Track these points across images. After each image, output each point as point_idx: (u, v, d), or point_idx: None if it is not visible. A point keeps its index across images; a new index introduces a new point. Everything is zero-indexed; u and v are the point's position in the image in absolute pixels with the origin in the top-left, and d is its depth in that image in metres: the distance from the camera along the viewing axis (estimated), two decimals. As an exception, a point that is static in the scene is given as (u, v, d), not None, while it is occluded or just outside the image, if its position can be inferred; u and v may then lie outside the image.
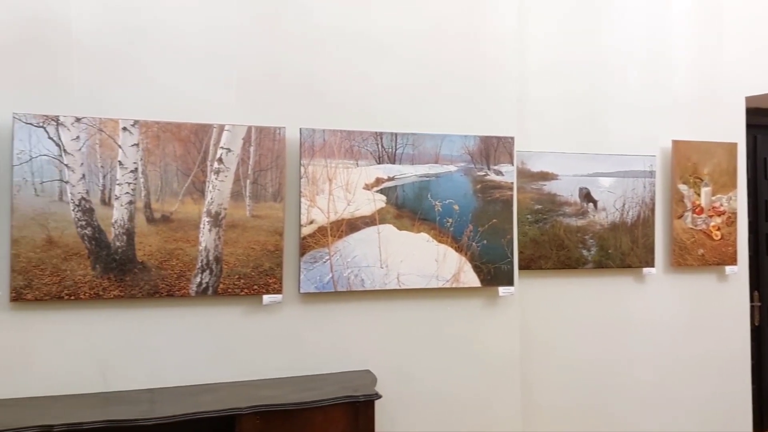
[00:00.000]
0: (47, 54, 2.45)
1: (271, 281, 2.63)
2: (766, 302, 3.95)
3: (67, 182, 2.40)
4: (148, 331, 2.54)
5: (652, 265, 3.39)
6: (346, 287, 2.74)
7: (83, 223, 2.42)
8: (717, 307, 3.56)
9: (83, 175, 2.42)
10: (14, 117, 2.34)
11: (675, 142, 3.43)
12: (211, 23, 2.65)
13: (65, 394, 2.40)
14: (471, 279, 2.91)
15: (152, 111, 2.54)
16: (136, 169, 2.49)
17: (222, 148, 2.59)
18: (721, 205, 3.53)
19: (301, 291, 2.68)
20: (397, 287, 2.81)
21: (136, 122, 2.49)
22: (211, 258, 2.56)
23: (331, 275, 2.72)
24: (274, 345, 2.69)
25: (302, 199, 2.69)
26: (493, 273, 2.94)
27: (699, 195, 3.48)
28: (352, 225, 2.76)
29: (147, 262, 2.49)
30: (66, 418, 2.10)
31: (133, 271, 2.47)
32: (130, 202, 2.48)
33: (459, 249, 2.89)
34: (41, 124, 2.37)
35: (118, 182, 2.46)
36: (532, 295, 3.19)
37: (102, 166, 2.45)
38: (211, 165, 2.58)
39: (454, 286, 2.88)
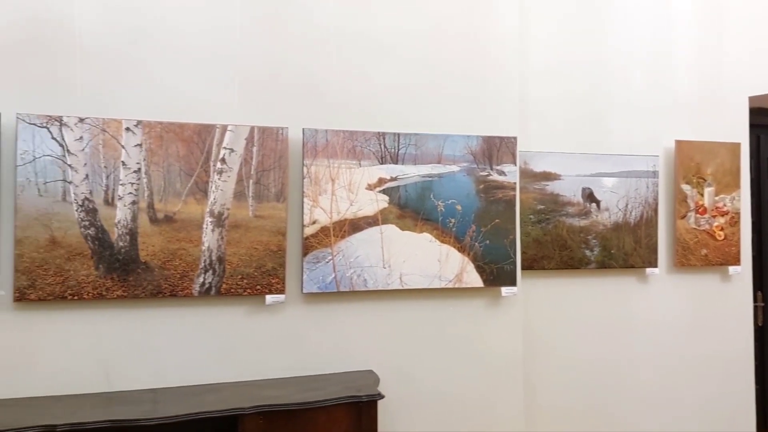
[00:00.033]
0: (51, 54, 2.46)
1: (273, 281, 2.63)
2: (769, 302, 3.94)
3: (70, 182, 2.40)
4: (151, 331, 2.54)
5: (655, 266, 3.38)
6: (349, 287, 2.74)
7: (86, 223, 2.42)
8: (720, 307, 3.55)
9: (86, 176, 2.42)
10: (18, 117, 2.35)
11: (678, 142, 3.42)
12: (213, 24, 2.66)
13: (68, 394, 2.41)
14: (474, 279, 2.90)
15: (155, 111, 2.55)
16: (140, 169, 2.49)
17: (225, 148, 2.59)
18: (725, 205, 3.52)
19: (304, 291, 2.68)
20: (400, 287, 2.81)
21: (139, 122, 2.49)
22: (214, 258, 2.56)
23: (333, 275, 2.72)
24: (277, 345, 2.69)
25: (305, 200, 2.69)
26: (496, 273, 2.93)
27: (702, 195, 3.47)
28: (355, 225, 2.76)
29: (150, 262, 2.49)
30: (69, 418, 2.10)
31: (136, 271, 2.47)
32: (134, 203, 2.48)
33: (462, 249, 2.89)
34: (45, 125, 2.38)
35: (121, 182, 2.46)
36: (535, 295, 3.18)
37: (105, 167, 2.45)
38: (214, 165, 2.58)
39: (456, 286, 2.88)
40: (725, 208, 3.52)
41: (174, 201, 2.53)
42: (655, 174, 3.38)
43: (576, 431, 3.26)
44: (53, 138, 2.39)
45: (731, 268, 3.55)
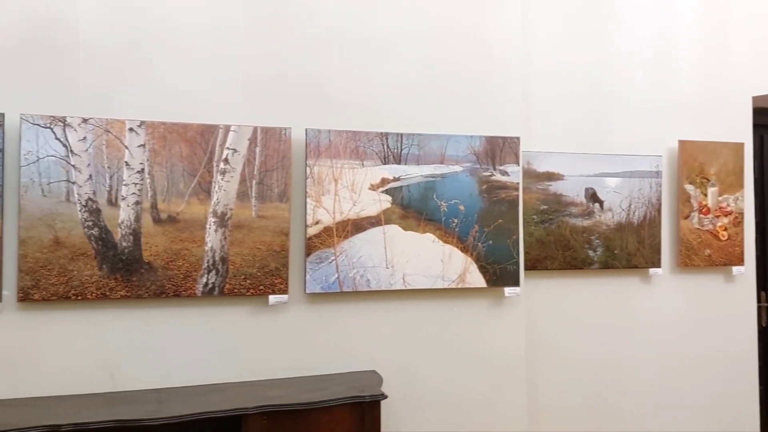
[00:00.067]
0: (54, 55, 2.47)
1: (276, 281, 2.63)
2: (773, 303, 3.93)
3: (74, 183, 2.41)
4: (154, 331, 2.55)
5: (659, 266, 3.37)
6: (352, 287, 2.74)
7: (90, 223, 2.43)
8: (724, 307, 3.55)
9: (90, 176, 2.43)
10: (21, 118, 2.36)
11: (681, 142, 3.42)
12: (216, 24, 2.66)
13: (72, 394, 2.41)
14: (477, 279, 2.90)
15: (158, 112, 2.55)
16: (143, 169, 2.49)
17: (228, 148, 2.59)
18: (728, 205, 3.52)
19: (307, 291, 2.69)
20: (403, 288, 2.80)
21: (142, 123, 2.49)
22: (217, 258, 2.57)
23: (336, 275, 2.72)
24: (280, 345, 2.70)
25: (308, 200, 2.69)
26: (499, 273, 2.93)
27: (706, 195, 3.46)
28: (358, 225, 2.77)
29: (153, 262, 2.49)
30: (73, 418, 2.11)
31: (139, 272, 2.48)
32: (137, 203, 2.48)
33: (465, 249, 2.89)
34: (48, 125, 2.38)
35: (124, 183, 2.47)
36: (538, 295, 3.18)
37: (109, 167, 2.46)
38: (217, 165, 2.58)
39: (459, 286, 2.88)
40: (729, 208, 3.52)
41: (177, 201, 2.53)
42: (658, 174, 3.37)
43: (579, 431, 3.26)
44: (57, 138, 2.39)
45: (735, 269, 3.54)
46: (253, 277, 2.61)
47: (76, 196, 2.41)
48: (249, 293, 2.61)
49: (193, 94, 2.62)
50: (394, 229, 2.81)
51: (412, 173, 2.85)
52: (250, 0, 2.70)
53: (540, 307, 3.19)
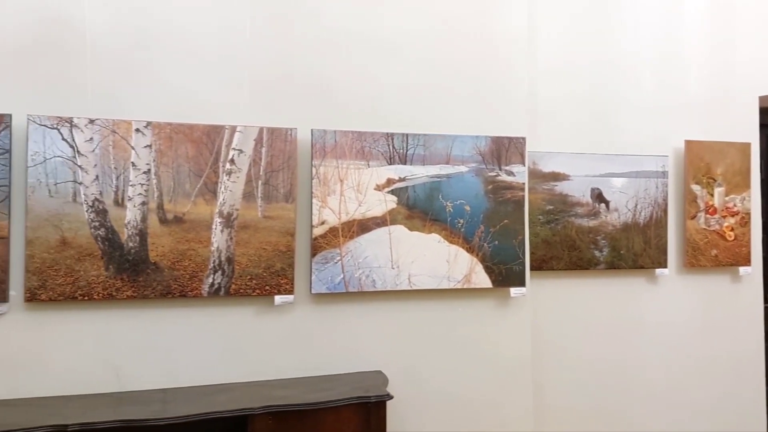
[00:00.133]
0: (61, 56, 2.47)
1: (282, 282, 2.64)
2: (780, 303, 3.91)
3: (80, 183, 2.42)
4: (160, 332, 2.55)
5: (665, 266, 3.36)
6: (358, 288, 2.74)
7: (97, 224, 2.43)
8: (730, 308, 3.53)
9: (97, 177, 2.44)
10: (29, 119, 2.36)
11: (688, 142, 3.41)
12: (222, 25, 2.67)
13: (79, 394, 2.42)
14: (482, 280, 2.90)
15: (165, 112, 2.56)
16: (149, 170, 2.50)
17: (234, 149, 2.60)
18: (735, 205, 3.50)
19: (313, 291, 2.69)
20: (409, 288, 2.80)
21: (148, 124, 2.50)
22: (223, 259, 2.57)
23: (342, 276, 2.72)
24: (286, 345, 2.70)
25: (314, 200, 2.69)
26: (505, 274, 2.93)
27: (712, 195, 3.45)
28: (364, 226, 2.77)
29: (160, 262, 2.50)
30: (80, 418, 2.11)
31: (146, 272, 2.48)
32: (143, 203, 2.49)
33: (470, 250, 2.89)
34: (55, 126, 2.39)
35: (131, 183, 2.48)
36: (544, 296, 3.18)
37: (115, 168, 2.46)
38: (223, 166, 2.59)
39: (465, 286, 2.88)
40: (735, 209, 3.50)
41: (183, 202, 2.54)
42: (664, 174, 3.36)
43: (584, 431, 3.26)
44: (64, 139, 2.40)
45: (742, 269, 3.52)
46: (259, 277, 2.61)
47: (83, 196, 2.42)
48: (255, 293, 2.61)
49: (200, 94, 2.63)
50: (399, 230, 2.81)
51: (418, 173, 2.85)
52: (255, 1, 2.71)
53: (546, 308, 3.18)
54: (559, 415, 3.21)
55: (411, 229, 2.82)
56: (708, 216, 3.44)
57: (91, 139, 2.43)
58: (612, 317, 3.32)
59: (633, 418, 3.35)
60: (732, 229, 3.49)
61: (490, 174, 2.94)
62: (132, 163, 2.48)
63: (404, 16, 2.90)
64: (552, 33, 3.25)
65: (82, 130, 2.42)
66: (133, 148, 2.48)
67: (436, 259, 2.85)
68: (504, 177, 2.96)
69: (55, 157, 2.39)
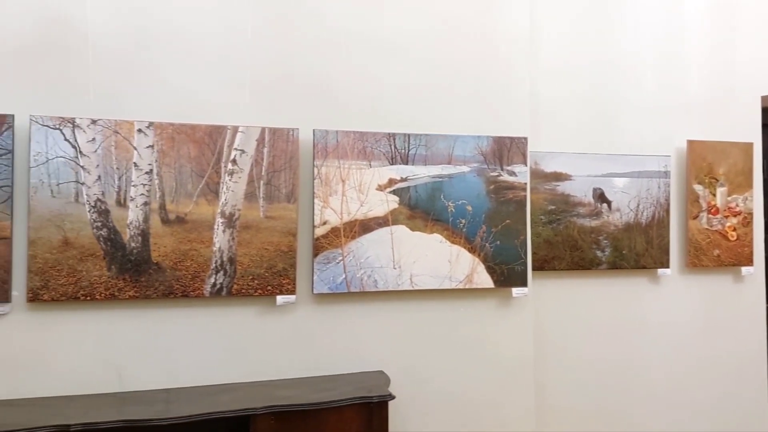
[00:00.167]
0: (63, 57, 2.48)
1: (284, 282, 2.64)
2: (782, 303, 3.90)
3: (83, 184, 2.42)
4: (163, 332, 2.55)
5: (667, 266, 3.36)
6: (359, 288, 2.74)
7: (99, 224, 2.44)
8: (733, 308, 3.53)
9: (99, 177, 2.44)
10: (31, 119, 2.37)
11: (690, 142, 3.40)
12: (224, 25, 2.67)
13: (81, 394, 2.42)
14: (484, 280, 2.90)
15: (167, 113, 2.56)
16: (151, 170, 2.50)
17: (236, 149, 2.60)
18: (737, 205, 3.50)
19: (315, 292, 2.69)
20: (410, 288, 2.80)
21: (151, 124, 2.50)
22: (225, 259, 2.57)
23: (344, 276, 2.72)
24: (288, 345, 2.70)
25: (315, 200, 2.69)
26: (507, 274, 2.93)
27: (714, 195, 3.45)
28: (365, 226, 2.77)
29: (162, 262, 2.50)
30: (82, 418, 2.12)
31: (148, 272, 2.49)
32: (145, 204, 2.49)
33: (472, 250, 2.89)
34: (57, 126, 2.40)
35: (133, 183, 2.48)
36: (546, 296, 3.17)
37: (117, 168, 2.47)
38: (225, 166, 2.59)
39: (467, 287, 2.88)
40: (738, 209, 3.50)
41: (185, 202, 2.54)
42: (666, 174, 3.36)
43: (586, 431, 3.26)
44: (66, 139, 2.41)
45: (744, 269, 3.52)
46: (261, 277, 2.61)
47: (85, 196, 2.42)
48: (257, 294, 2.61)
49: (201, 95, 2.63)
50: (401, 230, 2.81)
51: (420, 174, 2.85)
52: (257, 2, 2.71)
53: (548, 308, 3.18)
54: (560, 415, 3.20)
55: (413, 229, 2.82)
56: (710, 216, 3.44)
57: (94, 139, 2.44)
58: (614, 317, 3.31)
59: (635, 418, 3.35)
60: (734, 229, 3.49)
61: (492, 174, 2.94)
62: (134, 163, 2.48)
63: (406, 16, 2.90)
64: (553, 33, 3.25)
65: (84, 131, 2.42)
66: (135, 148, 2.49)
67: (438, 259, 2.85)
68: (506, 177, 2.96)
69: (57, 157, 2.39)
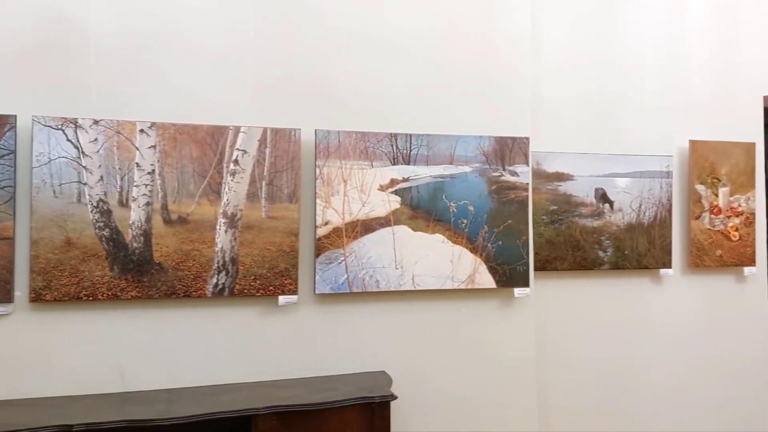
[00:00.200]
0: (65, 57, 2.48)
1: (286, 282, 2.64)
2: (785, 304, 3.89)
3: (85, 184, 2.42)
4: (165, 332, 2.56)
5: (669, 267, 3.35)
6: (361, 288, 2.74)
7: (101, 224, 2.44)
8: (735, 308, 3.52)
9: (101, 177, 2.44)
10: (33, 119, 2.37)
11: (692, 142, 3.40)
12: (226, 26, 2.67)
13: (84, 394, 2.42)
14: (486, 280, 2.90)
15: (169, 113, 2.57)
16: (153, 170, 2.51)
17: (238, 149, 2.60)
18: (739, 205, 3.49)
19: (317, 292, 2.69)
20: (412, 288, 2.80)
21: (153, 124, 2.51)
22: (227, 259, 2.57)
23: (346, 276, 2.72)
24: (290, 346, 2.70)
25: (317, 201, 2.69)
26: (509, 274, 2.92)
27: (717, 195, 3.44)
28: (367, 226, 2.77)
29: (164, 263, 2.50)
30: (85, 418, 2.12)
31: (150, 272, 2.49)
32: (148, 204, 2.50)
33: (474, 250, 2.89)
34: (60, 127, 2.40)
35: (135, 184, 2.48)
36: (548, 296, 3.17)
37: (120, 168, 2.47)
38: (227, 166, 2.59)
39: (469, 287, 2.88)
40: (740, 209, 3.49)
41: (187, 202, 2.54)
42: (668, 174, 3.35)
43: (589, 433, 3.26)
44: (68, 140, 2.41)
45: (746, 269, 3.51)
46: (263, 277, 2.61)
47: (88, 197, 2.43)
48: (259, 294, 2.61)
49: (203, 95, 2.63)
50: (403, 230, 2.81)
51: (421, 174, 2.85)
52: (259, 2, 2.71)
53: (550, 308, 3.18)
54: (562, 415, 3.20)
55: (415, 230, 2.82)
56: (712, 216, 3.44)
57: (96, 139, 2.44)
58: (616, 318, 3.31)
59: (637, 418, 3.34)
60: (737, 229, 3.48)
61: (494, 174, 2.94)
62: (136, 163, 2.49)
63: (408, 16, 2.90)
64: (555, 33, 3.25)
65: (86, 131, 2.43)
66: (137, 148, 2.49)
67: (440, 259, 2.85)
68: (508, 177, 2.95)
69: (59, 157, 2.40)
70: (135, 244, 2.48)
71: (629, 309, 3.33)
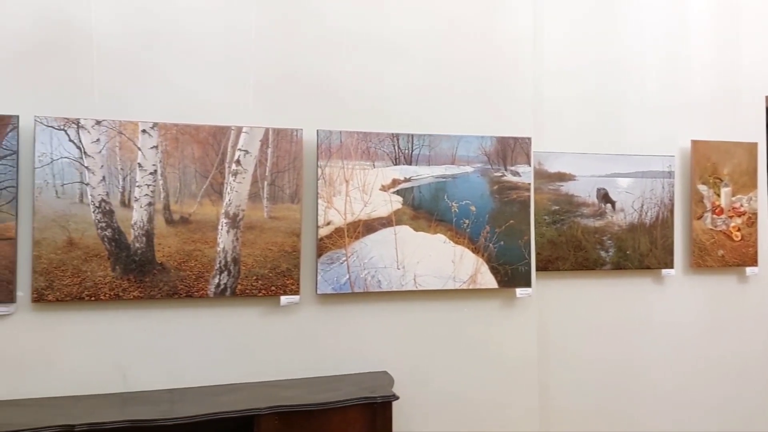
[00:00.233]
0: (68, 58, 2.48)
1: (288, 282, 2.64)
2: (787, 304, 3.89)
3: (87, 184, 2.43)
4: (167, 332, 2.56)
5: (671, 267, 3.35)
6: (363, 288, 2.74)
7: (103, 224, 2.44)
8: (737, 308, 3.52)
9: (103, 177, 2.45)
10: (36, 120, 2.38)
11: (694, 142, 3.39)
12: (228, 26, 2.67)
13: (86, 394, 2.43)
14: (488, 280, 2.90)
15: (171, 113, 2.57)
16: (156, 171, 2.51)
17: (240, 149, 2.60)
18: (741, 205, 3.49)
19: (318, 292, 2.69)
20: (414, 288, 2.80)
21: (155, 125, 2.51)
22: (229, 259, 2.58)
23: (348, 276, 2.72)
24: (292, 346, 2.70)
25: (319, 201, 2.69)
26: (511, 274, 2.92)
27: (719, 195, 3.44)
28: (369, 226, 2.77)
29: (166, 263, 2.51)
30: (87, 418, 2.12)
31: (152, 272, 2.49)
32: (150, 204, 2.50)
33: (476, 250, 2.88)
34: (62, 127, 2.40)
35: (137, 184, 2.48)
36: (550, 296, 3.17)
37: (122, 168, 2.47)
38: (229, 167, 2.59)
39: (471, 287, 2.88)
40: (742, 209, 3.49)
41: (189, 202, 2.54)
42: (670, 174, 3.35)
43: (591, 433, 3.25)
44: (70, 140, 2.41)
45: (748, 269, 3.51)
46: (265, 277, 2.62)
47: (90, 197, 2.43)
48: (261, 294, 2.61)
49: (205, 95, 2.63)
50: (405, 230, 2.81)
51: (423, 174, 2.85)
52: (260, 2, 2.71)
53: (551, 308, 3.17)
54: (564, 415, 3.20)
55: (416, 230, 2.82)
56: (714, 216, 3.43)
57: (98, 140, 2.44)
58: (618, 318, 3.31)
59: (639, 418, 3.34)
60: (739, 230, 3.48)
61: (496, 174, 2.94)
62: (138, 164, 2.49)
63: (409, 16, 2.90)
64: (557, 33, 3.24)
65: (88, 131, 2.43)
66: (139, 149, 2.49)
67: (442, 259, 2.84)
68: (509, 177, 2.95)
69: (62, 158, 2.40)
70: (137, 245, 2.48)
71: (631, 309, 3.33)
